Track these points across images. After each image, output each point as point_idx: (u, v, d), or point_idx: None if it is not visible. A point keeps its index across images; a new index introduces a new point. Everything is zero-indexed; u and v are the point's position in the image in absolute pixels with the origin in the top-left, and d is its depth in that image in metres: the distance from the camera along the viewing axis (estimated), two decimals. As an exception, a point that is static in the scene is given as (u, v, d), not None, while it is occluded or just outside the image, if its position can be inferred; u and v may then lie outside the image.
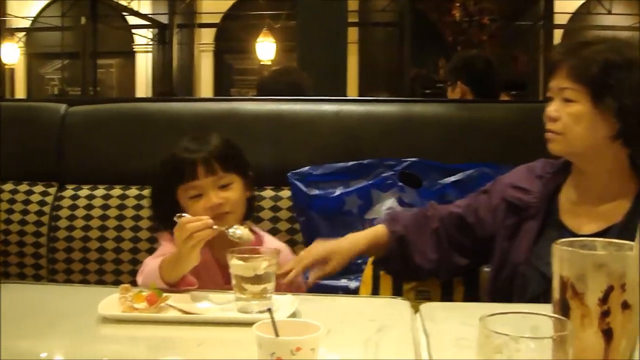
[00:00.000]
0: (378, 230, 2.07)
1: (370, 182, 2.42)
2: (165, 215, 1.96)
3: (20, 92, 12.85)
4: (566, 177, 1.93)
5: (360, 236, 2.06)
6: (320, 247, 1.99)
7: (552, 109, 1.81)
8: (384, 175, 2.42)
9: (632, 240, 1.11)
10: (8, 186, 2.64)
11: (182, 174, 2.00)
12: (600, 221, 1.83)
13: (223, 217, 1.93)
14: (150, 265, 1.85)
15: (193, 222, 1.70)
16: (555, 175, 1.94)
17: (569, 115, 1.78)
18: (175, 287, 1.76)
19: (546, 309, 1.11)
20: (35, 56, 13.33)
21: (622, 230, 1.75)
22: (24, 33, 12.57)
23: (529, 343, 0.91)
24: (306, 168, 2.43)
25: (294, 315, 1.53)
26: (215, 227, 1.70)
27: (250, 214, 2.17)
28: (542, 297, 1.71)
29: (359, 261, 2.32)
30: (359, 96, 8.80)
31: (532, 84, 10.06)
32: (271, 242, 2.12)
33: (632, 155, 1.82)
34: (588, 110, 1.76)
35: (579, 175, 1.89)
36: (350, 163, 2.44)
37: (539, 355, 0.90)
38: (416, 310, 1.62)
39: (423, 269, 2.03)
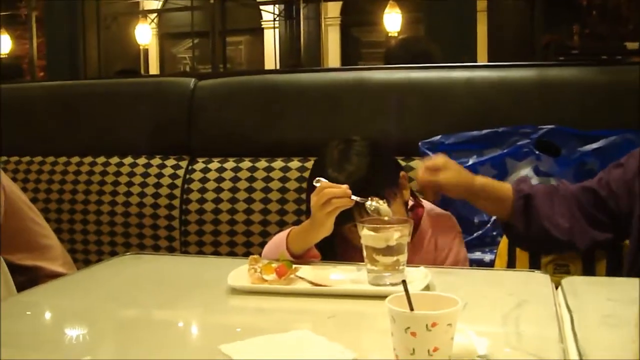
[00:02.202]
0: (504, 185, 1.96)
1: (504, 151, 2.32)
2: None
3: (153, 71, 13.28)
4: None
5: (484, 178, 1.98)
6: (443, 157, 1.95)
7: None
8: (519, 143, 2.31)
9: None
10: (141, 160, 2.70)
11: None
12: None
13: None
14: (278, 235, 1.83)
15: (332, 187, 1.66)
16: None
17: None
18: (299, 258, 1.73)
19: None
20: (167, 36, 13.74)
21: None
22: (155, 14, 12.94)
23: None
24: (438, 137, 2.35)
25: (427, 288, 1.48)
26: (354, 197, 1.65)
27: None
28: None
29: (494, 233, 2.24)
30: (489, 66, 8.50)
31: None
32: (435, 212, 2.03)
33: None
34: None
35: None
36: (484, 131, 2.34)
37: None
38: (557, 284, 1.53)
39: (552, 237, 1.90)
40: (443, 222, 1.97)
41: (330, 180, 1.73)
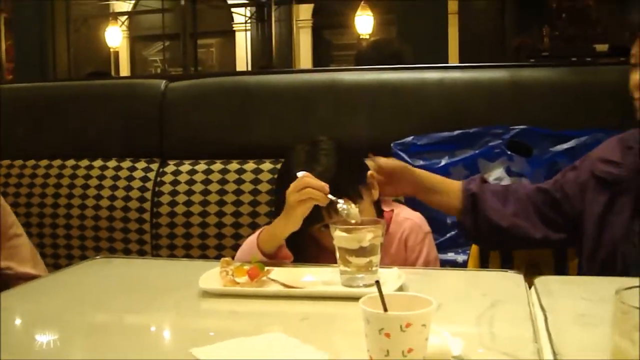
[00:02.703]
0: (454, 183, 2.01)
1: (476, 151, 2.33)
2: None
3: (124, 74, 13.18)
4: None
5: (435, 176, 2.03)
6: (397, 162, 2.01)
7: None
8: (491, 144, 2.32)
9: None
10: (112, 163, 2.67)
11: (306, 216, 1.71)
12: None
13: None
14: (249, 238, 1.81)
15: (312, 179, 1.66)
16: None
17: None
18: (271, 258, 1.73)
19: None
20: (137, 39, 13.65)
21: None
22: (126, 17, 12.85)
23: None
24: (410, 138, 2.35)
25: (400, 289, 1.47)
26: (329, 195, 1.64)
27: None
28: None
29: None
30: (460, 68, 8.48)
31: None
32: (404, 214, 2.02)
33: None
34: None
35: None
36: (456, 132, 2.35)
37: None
38: (530, 284, 1.52)
39: (503, 234, 1.92)
40: (412, 223, 1.96)
41: None
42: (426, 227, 1.98)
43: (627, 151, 1.82)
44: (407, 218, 1.97)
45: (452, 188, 1.99)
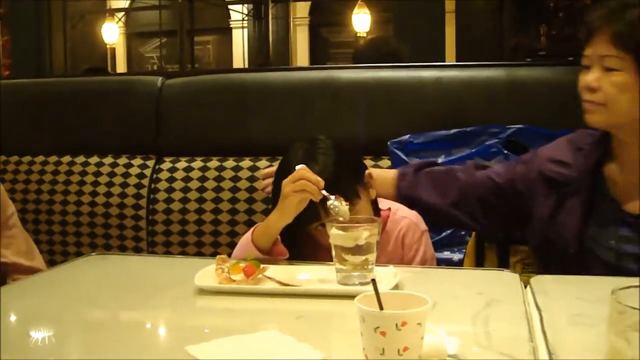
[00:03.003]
0: (387, 172, 2.07)
1: (473, 150, 2.32)
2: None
3: (120, 70, 13.13)
4: (608, 148, 1.78)
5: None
6: None
7: (591, 78, 1.67)
8: (487, 143, 2.32)
9: None
10: (108, 160, 2.67)
11: (303, 214, 1.72)
12: None
13: None
14: (245, 235, 1.81)
15: (309, 172, 1.66)
16: (596, 146, 1.80)
17: (611, 85, 1.64)
18: (266, 254, 1.73)
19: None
20: (134, 35, 13.63)
21: None
22: (123, 13, 12.84)
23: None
24: (406, 136, 2.35)
25: (396, 287, 1.47)
26: (323, 191, 1.64)
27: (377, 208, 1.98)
28: None
29: (463, 232, 2.24)
30: (457, 67, 8.46)
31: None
32: (401, 212, 2.01)
33: None
34: (633, 79, 1.62)
35: (620, 147, 1.75)
36: (453, 131, 2.35)
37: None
38: (525, 283, 1.52)
39: (438, 218, 2.01)
40: (409, 222, 1.96)
41: None
42: (423, 226, 1.98)
43: (577, 152, 1.83)
44: (404, 216, 1.97)
45: (385, 177, 2.03)
